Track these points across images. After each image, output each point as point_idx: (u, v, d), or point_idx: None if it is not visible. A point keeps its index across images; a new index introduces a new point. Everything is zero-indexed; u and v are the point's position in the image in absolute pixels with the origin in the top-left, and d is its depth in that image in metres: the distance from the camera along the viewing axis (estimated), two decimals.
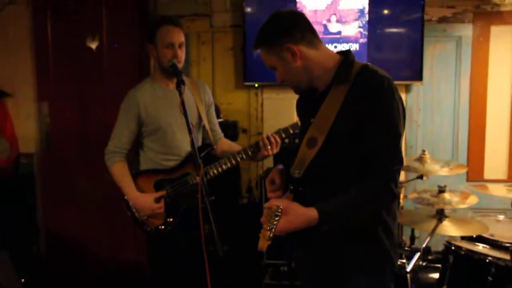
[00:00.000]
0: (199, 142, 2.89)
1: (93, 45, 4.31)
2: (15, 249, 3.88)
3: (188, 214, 2.75)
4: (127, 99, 2.80)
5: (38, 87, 4.37)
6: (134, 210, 2.75)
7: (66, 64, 4.34)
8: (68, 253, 4.40)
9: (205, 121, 2.88)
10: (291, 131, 2.69)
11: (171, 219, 2.74)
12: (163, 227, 2.74)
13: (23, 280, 3.80)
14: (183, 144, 2.78)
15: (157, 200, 2.70)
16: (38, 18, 4.30)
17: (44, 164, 4.42)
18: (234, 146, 2.95)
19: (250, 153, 2.71)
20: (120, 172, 2.77)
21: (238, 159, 2.73)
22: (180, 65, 2.70)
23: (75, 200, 4.37)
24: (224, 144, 3.00)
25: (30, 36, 4.31)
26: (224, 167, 2.72)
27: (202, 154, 2.73)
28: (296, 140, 2.83)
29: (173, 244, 2.80)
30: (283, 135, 2.71)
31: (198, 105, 2.85)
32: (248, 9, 3.97)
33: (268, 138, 2.66)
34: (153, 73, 2.86)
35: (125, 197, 2.77)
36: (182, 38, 2.73)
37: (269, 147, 2.65)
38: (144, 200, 2.69)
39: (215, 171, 2.71)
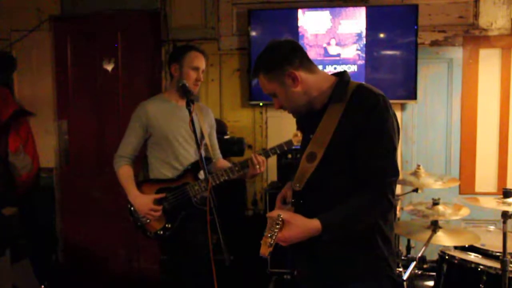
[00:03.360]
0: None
1: (109, 67, 4.36)
2: (35, 257, 3.90)
3: (186, 221, 2.79)
4: (138, 109, 2.86)
5: (58, 106, 4.43)
6: (133, 211, 2.78)
7: (84, 85, 4.40)
8: (85, 261, 4.41)
9: (206, 139, 2.92)
10: (286, 148, 2.74)
11: (169, 225, 2.77)
12: (161, 232, 2.77)
13: (42, 286, 3.81)
14: (187, 156, 2.84)
15: (155, 202, 2.73)
16: (59, 42, 4.38)
17: (63, 178, 4.45)
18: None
19: (236, 170, 2.72)
20: (125, 174, 2.82)
21: (230, 175, 2.73)
22: (197, 88, 2.82)
23: (92, 211, 4.39)
24: (221, 163, 3.01)
25: (51, 59, 4.38)
26: (216, 182, 2.73)
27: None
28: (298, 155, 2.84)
29: (182, 250, 2.83)
30: (278, 151, 2.76)
31: (201, 124, 2.89)
32: (253, 33, 4.01)
33: (256, 157, 2.69)
34: (166, 90, 2.93)
35: (129, 202, 2.80)
36: (205, 66, 2.86)
37: (257, 166, 2.67)
38: (143, 199, 2.74)
39: (217, 182, 2.73)
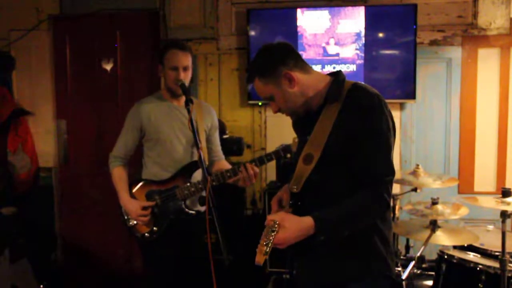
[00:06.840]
0: (193, 158, 2.82)
1: (108, 67, 4.35)
2: (34, 257, 3.90)
3: (175, 225, 2.76)
4: (132, 110, 2.85)
5: (57, 106, 4.42)
6: (124, 211, 2.81)
7: (83, 84, 4.39)
8: (84, 260, 4.40)
9: (203, 141, 2.79)
10: (282, 154, 2.53)
11: (156, 229, 2.76)
12: (148, 235, 2.76)
13: (41, 286, 3.81)
14: (180, 158, 2.78)
15: (145, 208, 2.72)
16: (58, 42, 4.37)
17: (62, 177, 4.44)
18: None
19: (227, 177, 2.56)
20: (118, 176, 2.83)
21: (213, 183, 2.56)
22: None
23: (91, 211, 4.39)
24: (221, 165, 2.87)
25: (50, 59, 4.37)
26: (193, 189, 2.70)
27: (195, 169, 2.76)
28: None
29: (161, 254, 2.80)
30: (274, 158, 2.55)
31: (198, 124, 2.77)
32: (252, 33, 3.99)
33: (246, 168, 2.50)
34: (161, 89, 2.91)
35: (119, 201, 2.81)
36: (187, 62, 2.73)
37: (247, 178, 2.50)
38: (133, 205, 2.74)
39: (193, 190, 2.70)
